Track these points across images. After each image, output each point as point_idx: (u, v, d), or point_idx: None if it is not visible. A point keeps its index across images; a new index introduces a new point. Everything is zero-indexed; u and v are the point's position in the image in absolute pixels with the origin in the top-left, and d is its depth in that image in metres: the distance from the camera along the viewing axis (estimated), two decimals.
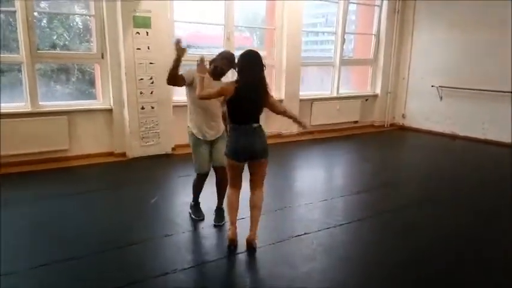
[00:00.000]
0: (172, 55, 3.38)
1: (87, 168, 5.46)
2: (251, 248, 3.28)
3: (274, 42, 7.28)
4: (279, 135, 7.43)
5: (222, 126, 3.70)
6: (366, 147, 7.55)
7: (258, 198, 3.33)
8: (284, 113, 3.50)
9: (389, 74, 8.65)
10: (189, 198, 4.02)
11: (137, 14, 5.49)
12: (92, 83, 6.08)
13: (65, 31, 5.95)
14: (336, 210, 4.37)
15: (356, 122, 8.55)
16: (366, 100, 8.66)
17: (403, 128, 8.75)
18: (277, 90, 7.38)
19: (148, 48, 5.65)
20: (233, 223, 3.34)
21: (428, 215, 4.25)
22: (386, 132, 8.63)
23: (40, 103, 5.37)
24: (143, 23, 5.55)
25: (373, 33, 8.51)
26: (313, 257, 3.31)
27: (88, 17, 5.77)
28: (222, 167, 3.49)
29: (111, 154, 5.86)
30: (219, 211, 3.85)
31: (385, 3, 8.27)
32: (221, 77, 3.60)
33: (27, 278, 2.90)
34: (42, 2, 5.68)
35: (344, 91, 8.44)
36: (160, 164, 5.73)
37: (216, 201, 3.87)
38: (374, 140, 8.05)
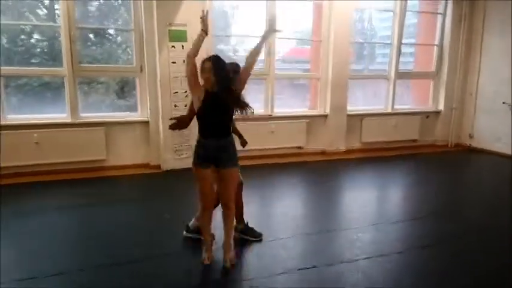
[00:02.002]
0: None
1: (122, 179, 5.58)
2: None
3: (320, 55, 6.94)
4: (323, 153, 7.04)
5: None
6: (425, 169, 6.82)
7: None
8: None
9: (454, 88, 7.79)
10: None
11: (173, 28, 5.54)
12: (133, 95, 6.25)
13: (126, 47, 6.28)
14: (384, 238, 3.90)
15: (415, 140, 7.81)
16: (427, 117, 7.89)
17: (471, 149, 7.80)
18: (321, 104, 7.01)
19: (184, 62, 5.61)
20: None
21: (485, 250, 3.64)
22: (450, 153, 7.76)
23: (81, 114, 5.63)
24: (179, 36, 5.58)
25: (436, 43, 7.76)
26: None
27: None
28: None
29: (146, 166, 5.93)
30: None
31: (449, 10, 7.52)
32: None
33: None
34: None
35: (401, 106, 7.78)
36: (192, 178, 5.65)
37: None
38: (435, 162, 7.25)
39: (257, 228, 3.81)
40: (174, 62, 5.62)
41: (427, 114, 7.89)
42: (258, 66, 6.84)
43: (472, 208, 4.85)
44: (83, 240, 3.73)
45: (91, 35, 6.23)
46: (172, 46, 5.59)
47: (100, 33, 6.20)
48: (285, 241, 3.76)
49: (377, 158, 7.11)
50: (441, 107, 7.90)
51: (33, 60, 5.78)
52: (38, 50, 5.91)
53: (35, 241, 3.63)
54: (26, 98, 5.77)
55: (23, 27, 5.74)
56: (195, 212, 3.70)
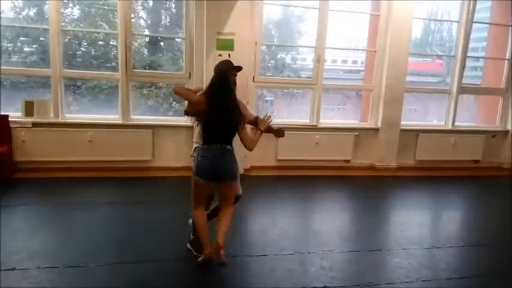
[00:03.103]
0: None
1: (164, 180, 5.77)
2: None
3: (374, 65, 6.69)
4: (372, 168, 6.73)
5: None
6: (484, 193, 6.24)
7: None
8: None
9: None
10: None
11: (221, 37, 5.66)
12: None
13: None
14: (415, 263, 3.62)
15: (477, 161, 7.19)
16: (494, 136, 7.22)
17: None
18: (373, 117, 6.73)
19: None
20: None
21: None
22: None
23: (131, 116, 5.96)
24: (226, 45, 5.68)
25: (506, 58, 7.10)
26: None
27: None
28: None
29: (189, 169, 6.05)
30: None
31: None
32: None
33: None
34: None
35: (463, 124, 7.23)
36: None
37: None
38: (498, 186, 6.61)
39: (280, 241, 3.74)
40: None
41: (493, 134, 7.23)
42: (303, 75, 6.85)
43: None
44: (112, 236, 3.91)
45: (161, 43, 6.64)
46: (219, 54, 5.70)
47: (168, 41, 6.57)
48: (305, 256, 3.65)
49: (431, 177, 6.65)
50: (510, 126, 7.20)
51: (108, 65, 6.23)
52: (113, 55, 6.29)
53: (66, 233, 3.89)
54: (95, 99, 6.26)
55: (96, 34, 6.24)
56: None
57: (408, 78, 6.83)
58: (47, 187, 5.15)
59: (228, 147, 3.21)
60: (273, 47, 7.09)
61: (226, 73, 3.23)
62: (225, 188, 3.26)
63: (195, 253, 3.43)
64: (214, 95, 3.14)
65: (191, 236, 3.56)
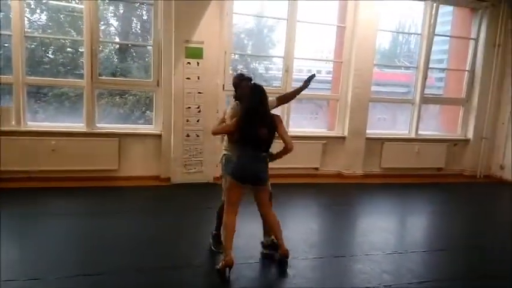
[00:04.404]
0: None
1: (131, 190, 5.67)
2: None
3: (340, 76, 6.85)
4: (339, 176, 6.85)
5: None
6: (447, 199, 6.46)
7: None
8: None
9: (486, 116, 7.39)
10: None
11: (189, 45, 5.67)
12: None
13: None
14: (376, 268, 3.68)
15: (440, 169, 7.44)
16: (455, 145, 7.50)
17: (501, 181, 7.30)
18: (339, 125, 6.87)
19: (198, 78, 5.76)
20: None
21: None
22: (478, 184, 7.30)
23: (97, 125, 5.85)
24: (195, 53, 5.70)
25: (467, 69, 7.41)
26: None
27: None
28: None
29: (156, 178, 6.03)
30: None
31: (482, 36, 7.18)
32: None
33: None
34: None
35: (426, 132, 7.47)
36: (198, 193, 5.68)
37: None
38: (459, 192, 6.88)
39: (244, 249, 3.77)
40: (188, 78, 5.73)
41: (454, 142, 7.50)
42: (274, 85, 6.89)
43: (496, 246, 4.46)
44: (74, 248, 3.80)
45: (132, 50, 6.59)
46: (188, 62, 5.72)
47: (138, 48, 6.55)
48: (269, 264, 3.66)
49: (396, 184, 6.82)
50: (470, 135, 7.50)
51: (76, 72, 6.05)
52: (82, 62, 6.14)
53: (27, 245, 3.79)
54: (62, 107, 6.10)
55: (63, 41, 6.12)
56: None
57: (377, 89, 7.05)
58: (7, 198, 4.95)
59: (263, 154, 3.41)
60: (246, 56, 7.15)
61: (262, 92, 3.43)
62: (259, 193, 3.51)
63: (213, 248, 3.76)
64: (250, 115, 3.36)
65: (213, 232, 3.81)
